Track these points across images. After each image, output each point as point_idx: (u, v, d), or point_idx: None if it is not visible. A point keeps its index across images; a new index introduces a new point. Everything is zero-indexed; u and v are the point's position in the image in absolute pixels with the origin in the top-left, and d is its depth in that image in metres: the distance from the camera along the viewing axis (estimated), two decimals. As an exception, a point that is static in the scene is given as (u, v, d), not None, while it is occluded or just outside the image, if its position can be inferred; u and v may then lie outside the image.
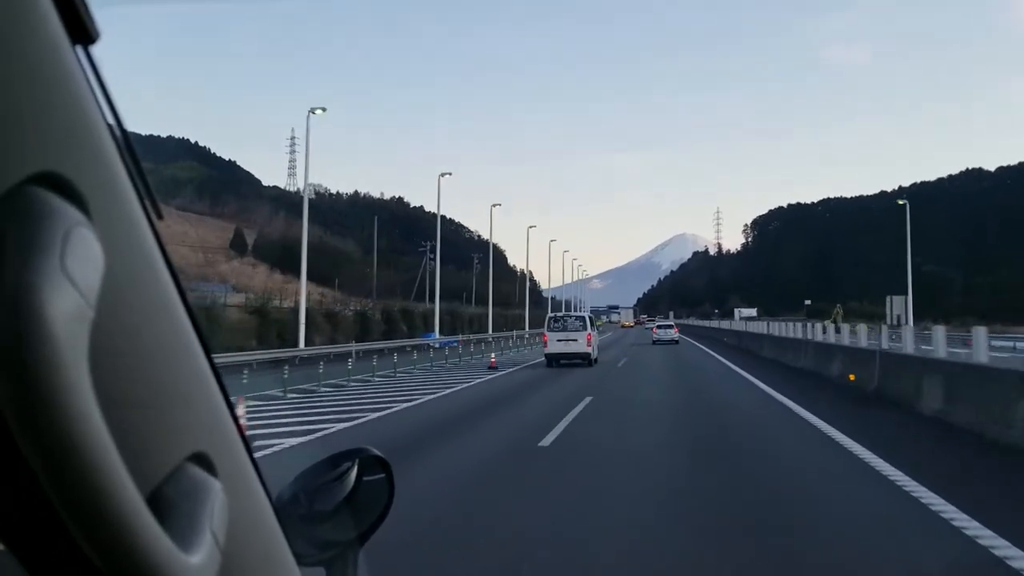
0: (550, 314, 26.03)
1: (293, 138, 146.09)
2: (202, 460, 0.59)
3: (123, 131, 0.54)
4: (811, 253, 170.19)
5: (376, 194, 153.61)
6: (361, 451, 1.06)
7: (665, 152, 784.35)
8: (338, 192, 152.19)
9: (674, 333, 45.92)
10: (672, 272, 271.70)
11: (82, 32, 0.49)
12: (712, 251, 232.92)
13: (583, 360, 24.21)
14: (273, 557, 0.74)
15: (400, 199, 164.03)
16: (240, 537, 0.63)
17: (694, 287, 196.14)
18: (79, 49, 0.49)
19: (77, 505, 0.43)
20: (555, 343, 24.83)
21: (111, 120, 0.52)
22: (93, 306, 0.43)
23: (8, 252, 0.41)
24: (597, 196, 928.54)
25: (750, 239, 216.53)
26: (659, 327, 47.98)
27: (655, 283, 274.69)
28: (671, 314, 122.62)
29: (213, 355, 0.63)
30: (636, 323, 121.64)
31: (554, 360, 24.45)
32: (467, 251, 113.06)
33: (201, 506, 0.55)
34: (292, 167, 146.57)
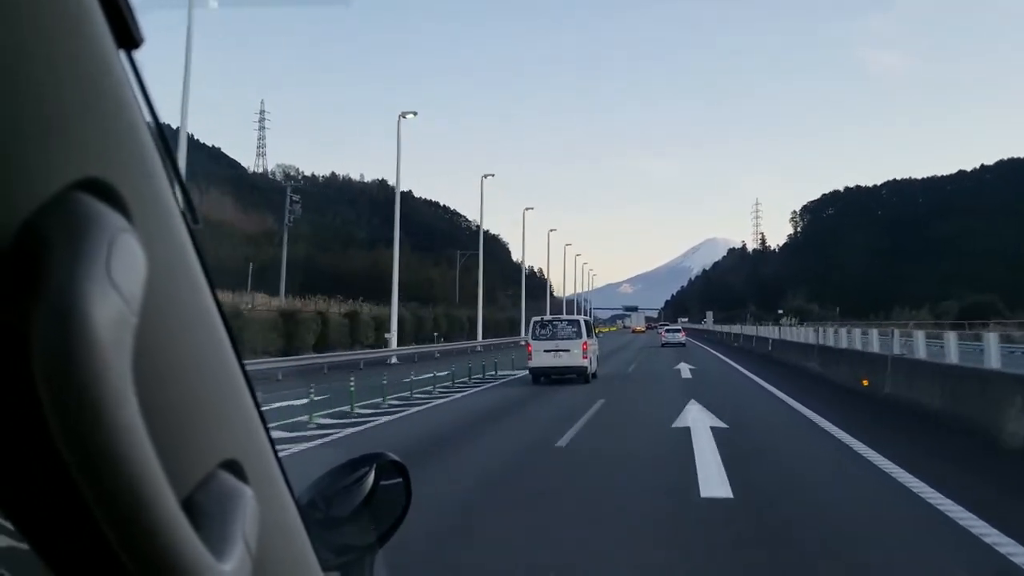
0: (535, 318, 23.08)
1: (262, 112, 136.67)
2: (234, 467, 0.61)
3: (163, 136, 0.55)
4: (877, 242, 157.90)
5: (359, 177, 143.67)
6: (379, 456, 1.13)
7: (695, 155, 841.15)
8: (313, 174, 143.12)
9: (681, 337, 53.42)
10: (705, 270, 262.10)
11: (127, 36, 0.50)
12: (751, 247, 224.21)
13: (577, 375, 21.33)
14: (301, 564, 0.78)
15: (383, 182, 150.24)
16: (270, 544, 0.66)
17: (732, 286, 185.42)
18: (122, 53, 0.50)
19: (116, 511, 0.44)
20: (541, 354, 21.68)
21: (151, 125, 0.53)
22: (136, 313, 0.45)
23: (55, 258, 0.42)
24: (626, 201, 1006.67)
25: (799, 228, 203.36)
26: (667, 331, 56.55)
27: (685, 285, 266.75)
28: (681, 319, 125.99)
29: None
30: (648, 328, 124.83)
31: (541, 375, 21.62)
32: (500, 261, 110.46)
33: (233, 513, 0.57)
34: (261, 146, 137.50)
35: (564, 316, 22.99)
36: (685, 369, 27.23)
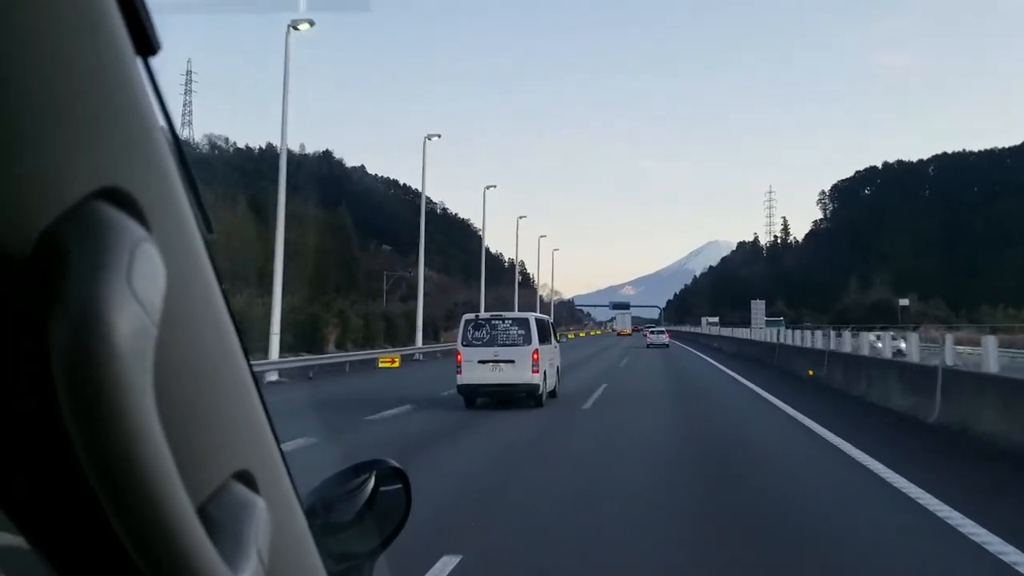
0: (467, 316, 18.14)
1: (189, 73, 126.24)
2: (246, 478, 0.63)
3: (178, 144, 0.57)
4: (928, 226, 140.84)
5: (298, 148, 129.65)
6: (379, 462, 1.17)
7: (696, 154, 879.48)
8: (247, 146, 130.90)
9: (664, 338, 63.79)
10: (711, 267, 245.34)
11: (144, 43, 0.52)
12: (765, 239, 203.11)
13: (527, 395, 16.72)
14: (309, 574, 0.82)
15: (327, 154, 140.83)
16: (281, 555, 0.68)
17: (748, 280, 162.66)
18: (139, 60, 0.52)
19: (134, 519, 0.46)
20: (475, 367, 16.69)
21: (168, 132, 0.55)
22: (157, 323, 0.46)
23: (75, 268, 0.43)
24: (628, 203, 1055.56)
25: (829, 211, 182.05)
26: (652, 332, 66.19)
27: (687, 287, 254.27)
28: (669, 320, 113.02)
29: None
30: (635, 330, 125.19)
31: (475, 396, 17.00)
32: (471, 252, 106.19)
33: (246, 525, 0.59)
34: (187, 113, 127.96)
35: (508, 314, 18.10)
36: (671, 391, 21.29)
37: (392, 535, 1.17)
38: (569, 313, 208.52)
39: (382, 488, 1.15)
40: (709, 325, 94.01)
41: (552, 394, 18.31)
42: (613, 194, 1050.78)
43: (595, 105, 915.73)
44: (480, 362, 16.34)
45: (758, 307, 68.82)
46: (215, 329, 0.60)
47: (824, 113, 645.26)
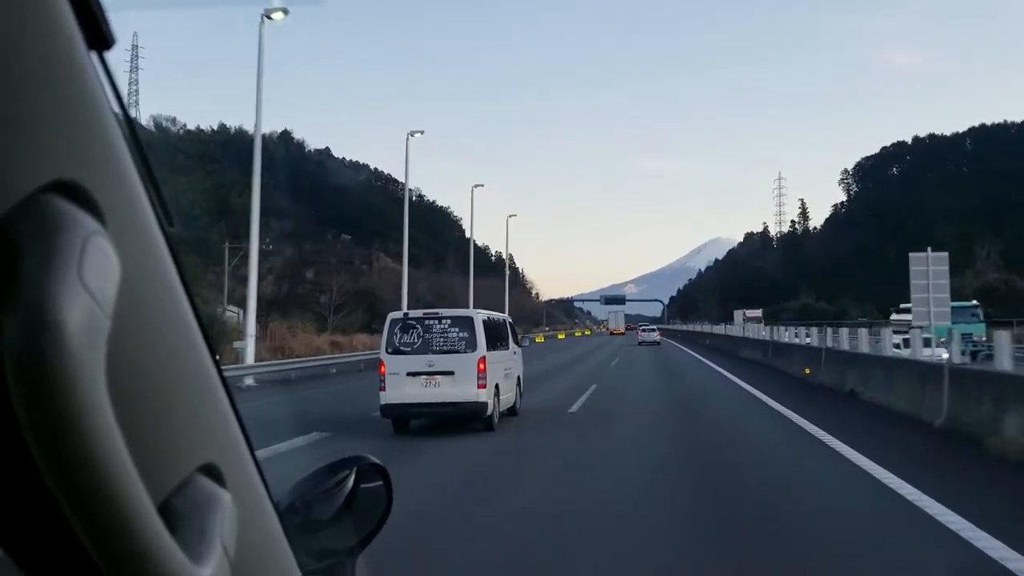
0: (393, 314, 14.60)
1: (135, 47, 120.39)
2: (211, 471, 0.63)
3: (136, 138, 0.57)
4: (970, 205, 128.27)
5: (253, 128, 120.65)
6: (359, 459, 1.18)
7: (697, 153, 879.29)
8: (198, 127, 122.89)
9: (656, 336, 64.99)
10: (718, 260, 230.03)
11: (98, 37, 0.52)
12: (774, 230, 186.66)
13: (471, 416, 13.22)
14: (280, 568, 0.82)
15: (285, 134, 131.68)
16: (248, 549, 0.68)
17: (760, 271, 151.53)
18: (93, 55, 0.52)
19: (91, 516, 0.46)
20: (403, 380, 13.02)
21: (124, 126, 0.55)
22: (110, 316, 0.46)
23: (26, 262, 0.44)
24: (630, 201, 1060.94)
25: (853, 193, 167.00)
26: (643, 331, 68.13)
27: (692, 281, 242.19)
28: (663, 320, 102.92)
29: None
30: (628, 329, 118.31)
31: (405, 418, 13.52)
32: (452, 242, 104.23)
33: (211, 518, 0.59)
34: (133, 92, 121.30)
35: (446, 311, 14.71)
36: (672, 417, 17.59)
37: (373, 532, 1.17)
38: (567, 311, 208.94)
39: (363, 485, 1.15)
40: (748, 322, 63.28)
41: (511, 411, 15.28)
42: (612, 193, 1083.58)
43: (592, 104, 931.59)
44: (410, 374, 13.19)
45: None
46: (177, 323, 0.60)
47: (835, 92, 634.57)
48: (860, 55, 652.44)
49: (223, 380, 0.68)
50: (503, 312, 19.76)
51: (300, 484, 1.08)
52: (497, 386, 13.80)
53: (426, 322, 13.50)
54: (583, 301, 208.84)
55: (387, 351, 13.37)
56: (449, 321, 13.49)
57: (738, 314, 75.43)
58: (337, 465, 1.13)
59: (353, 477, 1.13)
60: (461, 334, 13.29)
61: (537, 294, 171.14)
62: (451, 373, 13.05)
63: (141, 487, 0.48)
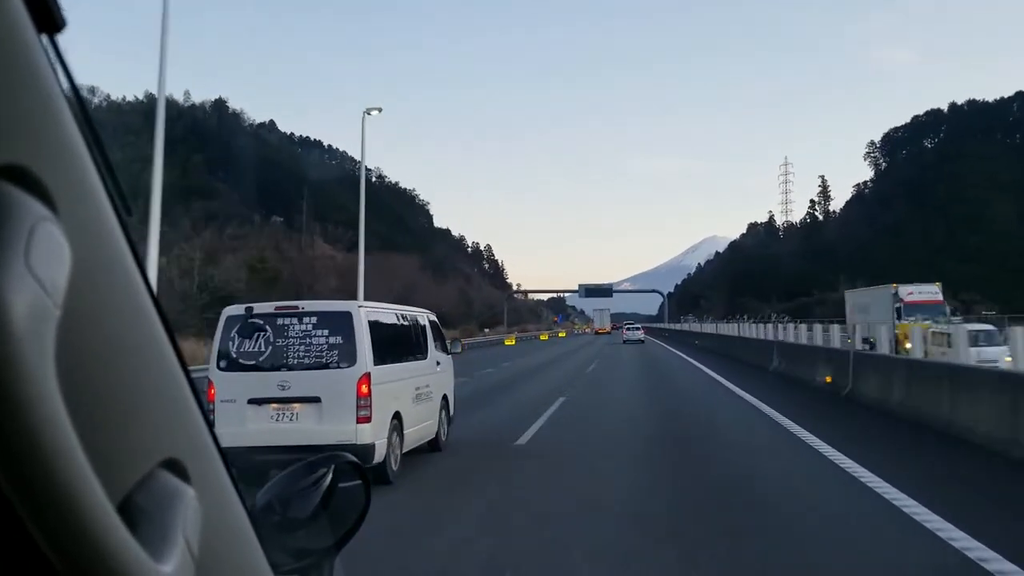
0: (230, 309, 9.19)
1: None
2: (175, 466, 0.62)
3: (90, 124, 0.56)
4: (1017, 176, 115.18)
5: (182, 97, 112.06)
6: (337, 457, 1.17)
7: (695, 152, 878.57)
8: (123, 97, 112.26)
9: (640, 334, 67.06)
10: (718, 253, 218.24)
11: (48, 20, 0.51)
12: (781, 219, 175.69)
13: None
14: (249, 566, 0.80)
15: (219, 102, 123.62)
16: (214, 545, 0.67)
17: (773, 261, 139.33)
18: (44, 38, 0.51)
19: (42, 512, 0.45)
20: (241, 411, 8.25)
21: (78, 112, 0.54)
22: (60, 304, 0.45)
23: None
24: (624, 201, 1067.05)
25: (882, 166, 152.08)
26: (627, 329, 69.30)
27: (691, 276, 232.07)
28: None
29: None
30: (614, 328, 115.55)
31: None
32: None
33: (173, 514, 0.58)
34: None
35: (310, 304, 9.57)
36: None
37: (351, 530, 1.16)
38: (560, 309, 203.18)
39: (341, 484, 1.13)
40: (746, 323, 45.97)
41: (433, 446, 10.66)
42: (610, 193, 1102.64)
43: (591, 103, 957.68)
44: (252, 402, 8.53)
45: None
46: (135, 313, 0.59)
47: (837, 78, 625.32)
48: (853, 49, 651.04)
49: (187, 374, 0.66)
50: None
51: (277, 482, 1.06)
52: (398, 416, 9.22)
53: (279, 321, 8.78)
54: (557, 293, 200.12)
55: (219, 365, 8.69)
56: (315, 320, 8.79)
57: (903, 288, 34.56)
58: (315, 463, 1.11)
59: (331, 475, 1.11)
60: (332, 339, 8.64)
61: (523, 290, 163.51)
62: (316, 400, 8.48)
63: (96, 482, 0.46)
